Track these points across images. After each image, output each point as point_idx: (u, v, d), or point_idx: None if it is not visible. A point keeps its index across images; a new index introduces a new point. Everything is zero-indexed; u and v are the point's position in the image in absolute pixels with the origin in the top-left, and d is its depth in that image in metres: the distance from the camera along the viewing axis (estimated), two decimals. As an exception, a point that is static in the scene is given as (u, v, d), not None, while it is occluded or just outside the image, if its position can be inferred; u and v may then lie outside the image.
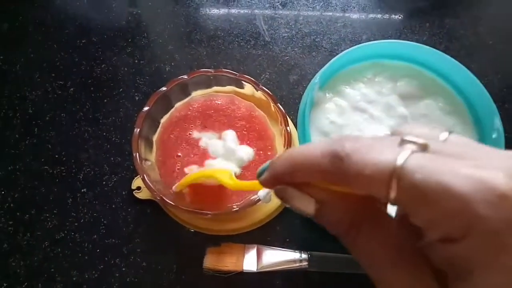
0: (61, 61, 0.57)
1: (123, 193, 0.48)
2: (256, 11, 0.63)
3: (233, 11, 0.63)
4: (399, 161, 0.16)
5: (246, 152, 0.43)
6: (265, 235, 0.46)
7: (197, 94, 0.48)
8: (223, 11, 0.63)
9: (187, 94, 0.47)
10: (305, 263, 0.42)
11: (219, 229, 0.45)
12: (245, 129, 0.46)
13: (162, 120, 0.47)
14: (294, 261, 0.43)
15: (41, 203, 0.47)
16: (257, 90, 0.45)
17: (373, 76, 0.48)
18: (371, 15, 0.64)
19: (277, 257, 0.43)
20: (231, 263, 0.42)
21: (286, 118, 0.44)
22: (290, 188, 0.21)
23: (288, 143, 0.43)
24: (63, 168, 0.49)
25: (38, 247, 0.45)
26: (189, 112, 0.47)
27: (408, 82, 0.47)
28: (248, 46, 0.59)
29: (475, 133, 0.45)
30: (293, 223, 0.47)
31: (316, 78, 0.44)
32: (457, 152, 0.17)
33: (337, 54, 0.44)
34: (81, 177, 0.49)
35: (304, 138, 0.41)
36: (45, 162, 0.50)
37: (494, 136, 0.42)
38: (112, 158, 0.50)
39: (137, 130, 0.42)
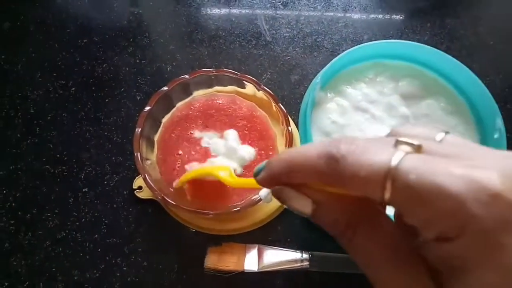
0: (63, 61, 0.57)
1: (124, 192, 0.48)
2: (258, 11, 0.63)
3: (235, 11, 0.63)
4: (394, 162, 0.16)
5: (248, 152, 0.43)
6: (266, 235, 0.46)
7: (198, 94, 0.48)
8: (224, 11, 0.63)
9: (189, 94, 0.47)
10: (306, 263, 0.42)
11: (220, 229, 0.45)
12: (246, 129, 0.46)
13: (164, 120, 0.47)
14: (295, 261, 0.43)
15: (43, 203, 0.47)
16: (258, 90, 0.45)
17: (375, 76, 0.48)
18: (372, 15, 0.64)
19: (278, 257, 0.43)
20: (232, 263, 0.42)
21: (288, 118, 0.44)
22: (287, 188, 0.21)
23: (290, 143, 0.43)
24: (64, 167, 0.49)
25: (39, 246, 0.45)
26: (191, 112, 0.47)
27: (409, 82, 0.47)
28: (250, 46, 0.59)
29: (477, 133, 0.45)
30: (294, 223, 0.47)
31: (318, 78, 0.44)
32: (452, 153, 0.17)
33: (339, 54, 0.44)
34: (82, 176, 0.49)
35: (305, 138, 0.41)
36: (46, 161, 0.50)
37: (496, 136, 0.42)
38: (113, 158, 0.50)
39: (138, 130, 0.42)
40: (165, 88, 0.44)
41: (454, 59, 0.46)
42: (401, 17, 0.64)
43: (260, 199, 0.39)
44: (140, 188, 0.47)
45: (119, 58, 0.57)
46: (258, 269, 0.42)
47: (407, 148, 0.17)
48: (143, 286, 0.44)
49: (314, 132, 0.44)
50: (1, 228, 0.46)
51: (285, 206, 0.46)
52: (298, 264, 0.42)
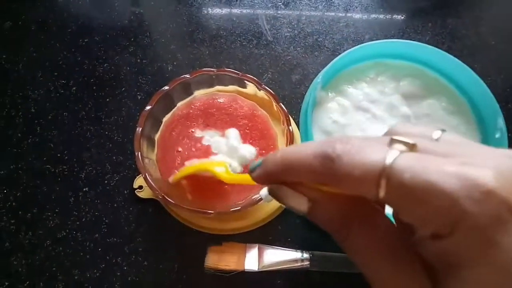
0: (64, 60, 0.57)
1: (125, 192, 0.48)
2: (259, 10, 0.63)
3: (236, 10, 0.63)
4: (388, 161, 0.16)
5: (249, 151, 0.43)
6: (266, 234, 0.46)
7: (199, 93, 0.48)
8: (225, 10, 0.63)
9: (190, 93, 0.47)
10: (306, 263, 0.42)
11: (220, 229, 0.45)
12: (247, 128, 0.46)
13: (164, 119, 0.47)
14: (296, 260, 0.43)
15: (43, 202, 0.47)
16: (259, 90, 0.45)
17: (376, 76, 0.48)
18: (373, 15, 0.63)
19: (278, 256, 0.43)
20: (233, 262, 0.42)
21: (289, 118, 0.44)
22: (283, 187, 0.21)
23: (290, 142, 0.43)
24: (65, 167, 0.49)
25: (40, 246, 0.45)
26: (191, 111, 0.47)
27: (411, 82, 0.47)
28: (251, 46, 0.59)
29: (478, 132, 0.45)
30: (295, 223, 0.47)
31: (319, 78, 0.44)
32: (447, 151, 0.17)
33: (340, 53, 0.44)
34: (83, 176, 0.49)
35: (306, 137, 0.41)
36: (47, 161, 0.50)
37: (497, 136, 0.42)
38: (114, 157, 0.50)
39: (139, 129, 0.42)
40: (166, 87, 0.44)
41: (456, 59, 0.45)
42: (403, 17, 0.64)
43: (261, 199, 0.39)
44: (140, 187, 0.47)
45: (120, 58, 0.57)
46: (258, 268, 0.42)
47: (402, 147, 0.18)
48: (144, 285, 0.44)
49: (315, 131, 0.44)
50: (2, 228, 0.46)
51: (289, 209, 0.46)
52: (299, 264, 0.42)
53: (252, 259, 0.42)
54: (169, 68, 0.57)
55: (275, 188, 0.22)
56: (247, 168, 0.43)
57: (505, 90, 0.57)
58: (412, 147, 0.18)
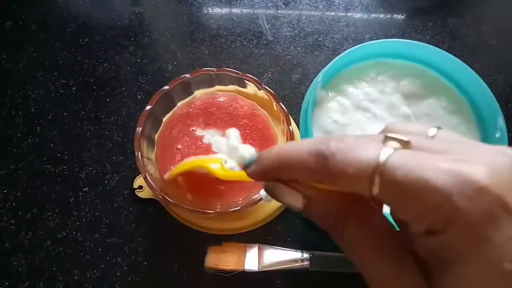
0: (64, 60, 0.57)
1: (125, 192, 0.48)
2: (259, 10, 0.63)
3: (236, 10, 0.63)
4: (381, 158, 0.17)
5: (248, 152, 0.43)
6: (266, 234, 0.46)
7: (199, 93, 0.48)
8: (225, 10, 0.63)
9: (190, 93, 0.47)
10: (306, 263, 0.42)
11: (220, 228, 0.45)
12: (248, 128, 0.46)
13: (164, 119, 0.47)
14: (296, 260, 0.43)
15: (43, 202, 0.47)
16: (259, 89, 0.45)
17: (376, 75, 0.48)
18: (373, 15, 0.63)
19: (278, 256, 0.43)
20: (233, 262, 0.42)
21: (289, 117, 0.44)
22: (279, 184, 0.21)
23: (290, 142, 0.43)
24: (65, 167, 0.49)
25: (40, 246, 0.45)
26: (191, 110, 0.47)
27: (411, 81, 0.47)
28: (251, 45, 0.59)
29: (479, 132, 0.45)
30: (295, 223, 0.47)
31: (319, 77, 0.44)
32: (442, 148, 0.18)
33: (340, 53, 0.44)
34: (83, 176, 0.49)
35: (306, 137, 0.41)
36: (47, 161, 0.50)
37: (497, 135, 0.42)
38: (114, 157, 0.50)
39: (139, 129, 0.42)
40: (166, 87, 0.44)
41: (456, 58, 0.45)
42: (403, 17, 0.64)
43: (261, 199, 0.39)
44: (140, 187, 0.47)
45: (120, 58, 0.57)
46: (258, 268, 0.42)
47: (396, 144, 0.18)
48: (144, 285, 0.44)
49: (315, 131, 0.44)
50: (2, 228, 0.46)
51: (285, 206, 0.46)
52: (299, 264, 0.42)
53: (252, 259, 0.42)
54: (169, 67, 0.57)
55: (270, 185, 0.22)
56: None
57: (505, 90, 0.57)
58: (406, 144, 0.18)
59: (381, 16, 0.63)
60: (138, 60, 0.57)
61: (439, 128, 0.20)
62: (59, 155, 0.50)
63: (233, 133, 0.45)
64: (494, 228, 0.15)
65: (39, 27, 0.60)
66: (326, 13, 0.63)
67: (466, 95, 0.46)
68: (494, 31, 0.62)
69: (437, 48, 0.46)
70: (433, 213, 0.16)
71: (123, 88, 0.55)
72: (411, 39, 0.47)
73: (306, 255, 0.43)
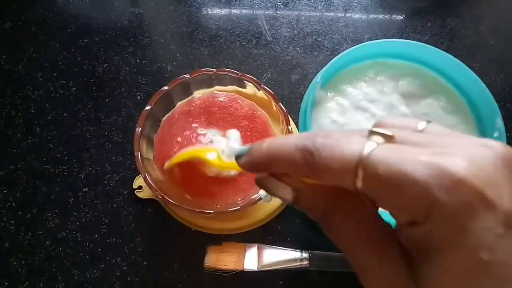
0: (63, 61, 0.57)
1: (125, 192, 0.48)
2: (258, 11, 0.63)
3: (235, 11, 0.63)
4: (364, 153, 0.17)
5: None
6: (266, 234, 0.46)
7: (199, 93, 0.48)
8: (225, 11, 0.63)
9: (189, 93, 0.47)
10: (305, 262, 0.42)
11: (220, 228, 0.45)
12: (248, 129, 0.46)
13: (164, 119, 0.47)
14: (295, 260, 0.43)
15: (43, 202, 0.47)
16: (258, 90, 0.45)
17: (375, 75, 0.48)
18: (372, 15, 0.64)
19: (277, 256, 0.43)
20: (232, 262, 0.42)
21: (288, 117, 0.44)
22: (269, 178, 0.22)
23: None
24: (64, 167, 0.49)
25: (39, 246, 0.45)
26: (192, 108, 0.46)
27: (410, 81, 0.47)
28: (250, 46, 0.59)
29: (477, 132, 0.45)
30: (294, 222, 0.47)
31: (318, 77, 0.44)
32: (427, 141, 0.18)
33: (339, 53, 0.44)
34: (82, 176, 0.49)
35: (305, 137, 0.41)
36: (46, 161, 0.50)
37: (495, 135, 0.42)
38: (113, 158, 0.50)
39: (138, 129, 0.42)
40: (166, 87, 0.44)
41: (455, 59, 0.45)
42: (402, 17, 0.64)
43: (260, 198, 0.40)
44: (140, 187, 0.47)
45: (120, 58, 0.58)
46: (257, 268, 0.42)
47: (380, 139, 0.18)
48: (143, 285, 0.44)
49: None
50: (1, 228, 0.46)
51: (285, 206, 0.46)
52: (298, 264, 0.42)
53: (252, 259, 0.42)
54: (168, 68, 0.57)
55: (261, 179, 0.23)
56: (244, 173, 0.43)
57: (504, 90, 0.57)
58: (389, 139, 0.18)
59: (380, 16, 0.64)
60: (138, 61, 0.57)
61: (428, 122, 0.20)
62: (58, 155, 0.50)
63: (234, 134, 0.45)
64: (472, 220, 0.15)
65: (38, 27, 0.60)
66: (325, 13, 0.63)
67: (465, 95, 0.46)
68: (493, 31, 0.62)
69: (436, 48, 0.46)
70: (413, 205, 0.16)
71: (123, 89, 0.55)
72: (410, 39, 0.47)
73: (305, 255, 0.43)
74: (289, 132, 0.43)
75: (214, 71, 0.46)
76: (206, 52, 0.59)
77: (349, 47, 0.45)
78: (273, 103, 0.45)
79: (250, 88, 0.47)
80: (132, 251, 0.45)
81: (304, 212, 0.22)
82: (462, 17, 0.64)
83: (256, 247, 0.43)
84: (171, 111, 0.47)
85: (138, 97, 0.54)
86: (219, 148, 0.40)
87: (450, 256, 0.16)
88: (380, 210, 0.21)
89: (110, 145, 0.51)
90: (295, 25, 0.62)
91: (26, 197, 0.48)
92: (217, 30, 0.61)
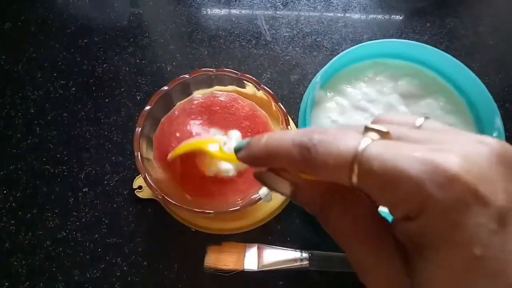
0: (63, 61, 0.57)
1: (125, 192, 0.48)
2: (257, 11, 0.63)
3: (235, 11, 0.63)
4: (359, 149, 0.17)
5: None
6: (266, 234, 0.46)
7: (198, 93, 0.48)
8: (224, 11, 0.63)
9: (189, 93, 0.47)
10: (305, 262, 0.42)
11: (220, 228, 0.45)
12: (249, 130, 0.46)
13: (163, 119, 0.47)
14: (295, 260, 0.43)
15: (43, 203, 0.47)
16: (258, 90, 0.45)
17: (374, 75, 0.48)
18: (372, 15, 0.64)
19: (277, 256, 0.43)
20: (232, 262, 0.42)
21: (287, 118, 0.44)
22: (267, 172, 0.23)
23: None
24: (64, 167, 0.49)
25: (39, 246, 0.45)
26: (194, 107, 0.46)
27: (409, 81, 0.47)
28: (250, 46, 0.60)
29: (476, 132, 0.45)
30: (294, 223, 0.47)
31: (317, 77, 0.44)
32: (424, 137, 0.18)
33: (338, 53, 0.45)
34: (82, 176, 0.49)
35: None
36: (46, 161, 0.50)
37: (494, 135, 0.42)
38: (113, 158, 0.50)
39: (138, 129, 0.42)
40: (165, 87, 0.44)
41: (454, 59, 0.46)
42: (401, 17, 0.64)
43: (260, 198, 0.40)
44: (140, 187, 0.47)
45: (120, 58, 0.58)
46: (257, 268, 0.42)
47: (375, 135, 0.18)
48: (143, 285, 0.44)
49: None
50: (2, 228, 0.46)
51: (285, 206, 0.46)
52: (298, 263, 0.43)
53: (252, 259, 0.42)
54: (168, 68, 0.57)
55: (260, 174, 0.23)
56: (241, 175, 0.43)
57: (503, 90, 0.57)
58: (385, 135, 0.18)
59: (379, 16, 0.64)
60: (137, 61, 0.57)
61: (427, 118, 0.20)
62: (58, 155, 0.50)
63: (235, 136, 0.45)
64: (465, 216, 0.15)
65: (38, 28, 0.60)
66: (324, 13, 0.63)
67: (464, 95, 0.47)
68: (492, 31, 0.63)
69: (435, 49, 0.46)
70: (407, 200, 0.16)
71: (122, 89, 0.55)
72: (409, 40, 0.47)
73: (305, 255, 0.43)
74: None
75: (214, 71, 0.46)
76: (206, 52, 0.59)
77: (349, 47, 0.45)
78: (273, 103, 0.45)
79: (250, 88, 0.47)
80: (132, 251, 0.45)
81: (302, 206, 0.22)
82: (461, 17, 0.64)
83: (256, 247, 0.43)
84: (172, 109, 0.47)
85: (138, 97, 0.54)
86: (222, 140, 0.40)
87: (444, 251, 0.16)
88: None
89: (110, 145, 0.51)
90: (294, 25, 0.62)
91: (26, 197, 0.48)
92: (217, 30, 0.61)
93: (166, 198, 0.39)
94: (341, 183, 0.18)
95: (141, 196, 0.47)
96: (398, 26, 0.63)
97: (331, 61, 0.44)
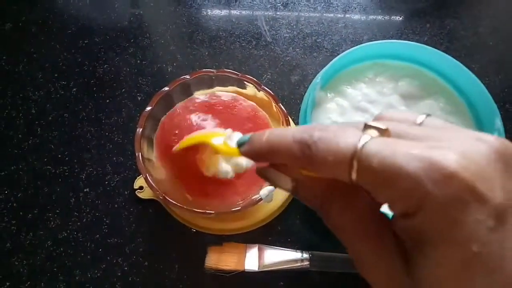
0: (64, 62, 0.57)
1: (126, 192, 0.48)
2: (258, 12, 0.63)
3: (235, 12, 0.63)
4: (358, 146, 0.17)
5: (246, 160, 0.42)
6: (266, 234, 0.46)
7: (199, 94, 0.48)
8: (224, 12, 0.63)
9: (189, 94, 0.47)
10: (306, 263, 0.43)
11: (221, 229, 0.45)
12: (250, 132, 0.46)
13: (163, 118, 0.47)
14: (296, 260, 0.43)
15: (44, 203, 0.47)
16: (259, 91, 0.45)
17: (374, 76, 0.48)
18: (372, 16, 0.64)
19: (278, 256, 0.43)
20: (233, 262, 0.42)
21: (288, 118, 0.44)
22: (269, 168, 0.23)
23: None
24: (65, 168, 0.50)
25: (41, 246, 0.45)
26: (196, 105, 0.46)
27: (409, 82, 0.48)
28: (250, 47, 0.60)
29: (476, 133, 0.45)
30: (295, 223, 0.48)
31: (318, 78, 0.44)
32: (423, 135, 0.18)
33: (338, 54, 0.45)
34: (83, 176, 0.49)
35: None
36: (48, 162, 0.50)
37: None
38: (114, 158, 0.50)
39: (139, 130, 0.42)
40: (166, 88, 0.44)
41: (454, 59, 0.46)
42: (401, 18, 0.64)
43: (261, 199, 0.40)
44: (141, 188, 0.47)
45: (120, 59, 0.58)
46: (258, 268, 0.42)
47: (374, 132, 0.19)
48: (144, 286, 0.44)
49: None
50: (3, 228, 0.46)
51: (285, 206, 0.46)
52: (298, 264, 0.43)
53: (252, 259, 0.42)
54: (168, 69, 0.57)
55: (261, 169, 0.23)
56: (239, 176, 0.43)
57: (503, 91, 0.57)
58: (383, 132, 0.19)
59: (379, 17, 0.64)
60: (138, 62, 0.58)
61: (428, 115, 0.20)
62: (59, 156, 0.50)
63: (236, 137, 0.45)
64: (463, 213, 0.15)
65: (39, 28, 0.60)
66: (324, 14, 0.63)
67: (464, 96, 0.47)
68: (492, 32, 0.63)
69: (435, 49, 0.46)
70: (406, 197, 0.16)
71: (123, 89, 0.55)
72: (409, 40, 0.47)
73: (306, 255, 0.43)
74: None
75: (214, 72, 0.46)
76: (206, 53, 0.59)
77: (349, 48, 0.45)
78: (273, 104, 0.45)
79: (250, 89, 0.47)
80: (133, 252, 0.45)
81: (302, 201, 0.22)
82: (461, 18, 0.64)
83: (256, 247, 0.43)
84: (173, 107, 0.47)
85: (139, 98, 0.55)
86: (227, 133, 0.40)
87: (443, 248, 0.16)
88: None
89: (111, 146, 0.51)
90: (294, 26, 0.62)
91: (27, 198, 0.48)
92: (217, 31, 0.61)
93: (167, 198, 0.40)
94: (342, 180, 0.18)
95: (142, 197, 0.47)
96: (398, 27, 0.63)
97: (331, 62, 0.44)
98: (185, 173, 0.44)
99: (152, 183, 0.40)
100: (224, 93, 0.48)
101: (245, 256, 0.43)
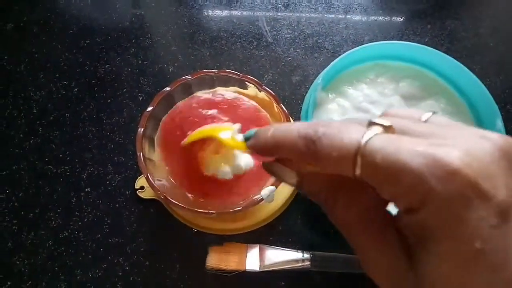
0: (65, 62, 0.57)
1: (127, 192, 0.48)
2: (259, 12, 0.63)
3: (236, 12, 0.63)
4: (363, 141, 0.18)
5: (246, 162, 0.42)
6: (267, 234, 0.46)
7: (200, 94, 0.48)
8: (226, 12, 0.63)
9: (190, 94, 0.48)
10: (307, 263, 0.43)
11: (222, 229, 0.45)
12: None
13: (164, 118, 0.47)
14: (297, 260, 0.43)
15: (45, 202, 0.48)
16: (260, 91, 0.45)
17: (376, 77, 0.48)
18: (373, 17, 0.64)
19: (279, 256, 0.43)
20: (234, 262, 0.42)
21: (289, 119, 0.44)
22: (275, 163, 0.24)
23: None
24: (67, 167, 0.50)
25: (42, 246, 0.45)
26: (197, 104, 0.46)
27: (410, 83, 0.48)
28: (251, 47, 0.60)
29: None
30: (296, 223, 0.48)
31: (319, 79, 0.44)
32: (428, 132, 0.18)
33: (340, 55, 0.45)
34: (85, 176, 0.49)
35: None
36: (49, 161, 0.50)
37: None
38: (115, 158, 0.50)
39: (141, 130, 0.42)
40: (167, 88, 0.44)
41: (455, 60, 0.46)
42: (402, 19, 0.64)
43: (262, 199, 0.40)
44: (142, 188, 0.47)
45: (122, 59, 0.58)
46: (259, 268, 0.42)
47: (378, 129, 0.19)
48: (145, 285, 0.44)
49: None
50: (4, 228, 0.46)
51: (286, 206, 0.46)
52: (299, 264, 0.43)
53: (253, 259, 0.42)
54: (170, 69, 0.57)
55: (268, 164, 0.24)
56: (238, 177, 0.43)
57: (504, 92, 0.57)
58: (388, 129, 0.19)
59: (380, 18, 0.64)
60: (139, 62, 0.58)
61: (434, 112, 0.21)
62: (61, 155, 0.50)
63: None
64: (466, 209, 0.16)
65: (40, 28, 0.60)
66: (325, 15, 0.63)
67: (465, 97, 0.47)
68: (493, 33, 0.63)
69: (436, 50, 0.46)
70: (409, 193, 0.16)
71: (125, 90, 0.55)
72: (410, 41, 0.47)
73: (307, 256, 0.43)
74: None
75: (216, 72, 0.46)
76: (207, 54, 0.59)
77: (350, 49, 0.45)
78: (275, 104, 0.45)
79: (252, 89, 0.47)
80: (134, 251, 0.45)
81: (307, 196, 0.23)
82: (462, 19, 0.64)
83: (258, 247, 0.44)
84: (174, 107, 0.46)
85: (140, 98, 0.55)
86: (235, 127, 0.39)
87: (446, 244, 0.16)
88: None
89: (112, 146, 0.51)
90: (295, 27, 0.62)
91: (28, 197, 0.48)
92: (218, 32, 0.61)
93: (168, 198, 0.40)
94: (346, 175, 0.19)
95: (143, 196, 0.47)
96: (399, 28, 0.63)
97: (332, 63, 0.44)
98: (186, 173, 0.44)
99: (153, 183, 0.40)
100: (226, 93, 0.48)
101: (246, 256, 0.43)
